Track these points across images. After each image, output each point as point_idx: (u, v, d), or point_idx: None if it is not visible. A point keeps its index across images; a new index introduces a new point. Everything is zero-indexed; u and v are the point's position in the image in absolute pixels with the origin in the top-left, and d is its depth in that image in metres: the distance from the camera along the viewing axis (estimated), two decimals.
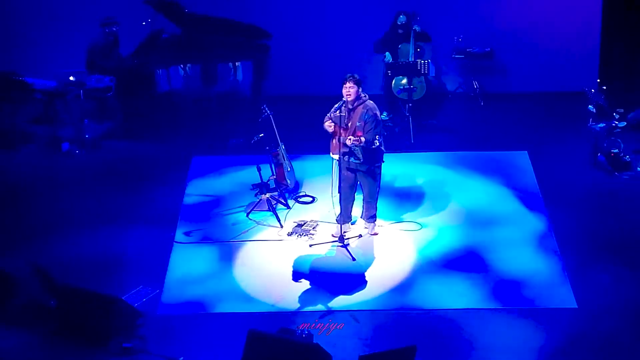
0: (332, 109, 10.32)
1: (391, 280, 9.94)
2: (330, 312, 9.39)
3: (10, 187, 12.12)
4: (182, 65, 13.73)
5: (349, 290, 9.76)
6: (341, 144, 10.15)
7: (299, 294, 9.73)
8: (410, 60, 13.31)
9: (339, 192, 10.42)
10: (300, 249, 10.51)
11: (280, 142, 11.52)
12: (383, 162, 10.45)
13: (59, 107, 13.26)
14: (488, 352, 8.77)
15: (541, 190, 11.69)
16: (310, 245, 10.53)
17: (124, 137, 13.35)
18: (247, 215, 11.19)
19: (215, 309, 9.53)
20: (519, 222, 11.00)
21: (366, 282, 9.92)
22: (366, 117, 10.12)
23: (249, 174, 11.85)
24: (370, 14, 14.47)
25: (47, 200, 11.70)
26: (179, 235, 10.86)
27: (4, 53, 14.49)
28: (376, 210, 10.68)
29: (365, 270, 10.11)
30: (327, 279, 9.97)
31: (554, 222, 10.93)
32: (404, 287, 9.84)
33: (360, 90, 10.18)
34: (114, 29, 13.54)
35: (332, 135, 10.27)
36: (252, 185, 11.58)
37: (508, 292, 9.68)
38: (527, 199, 11.51)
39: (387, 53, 13.56)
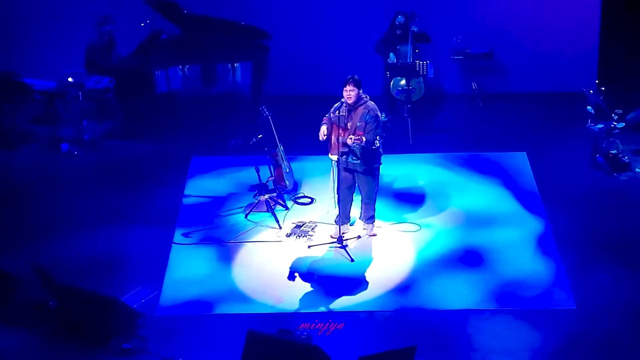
0: (332, 109, 10.33)
1: (390, 281, 9.95)
2: (329, 313, 9.40)
3: (10, 187, 12.12)
4: (181, 66, 13.73)
5: (347, 291, 9.77)
6: (340, 144, 10.16)
7: (298, 294, 9.74)
8: (408, 61, 13.32)
9: (337, 193, 10.43)
10: (299, 250, 10.52)
11: (279, 143, 11.53)
12: (381, 163, 10.47)
13: (58, 108, 13.26)
14: (487, 353, 8.78)
15: (540, 191, 11.70)
16: (309, 247, 10.54)
17: (123, 137, 13.35)
18: (246, 217, 11.20)
19: (214, 309, 9.54)
20: (518, 223, 11.01)
21: (365, 283, 9.93)
22: (367, 117, 10.13)
23: (247, 175, 11.86)
24: (369, 14, 14.47)
25: (46, 200, 11.70)
26: (178, 236, 10.87)
27: (3, 53, 14.49)
28: (375, 211, 10.69)
29: (364, 271, 10.12)
30: (326, 280, 9.98)
31: (553, 223, 10.95)
32: (403, 288, 9.85)
33: (361, 91, 10.19)
34: (108, 29, 13.53)
35: (329, 136, 10.27)
36: (251, 186, 11.59)
37: (507, 293, 9.69)
38: (525, 199, 11.52)
39: (391, 54, 13.52)
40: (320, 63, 14.62)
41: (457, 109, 14.39)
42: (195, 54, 13.80)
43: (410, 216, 11.17)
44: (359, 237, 10.69)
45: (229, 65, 14.03)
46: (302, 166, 12.25)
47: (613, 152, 12.13)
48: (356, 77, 10.17)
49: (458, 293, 9.71)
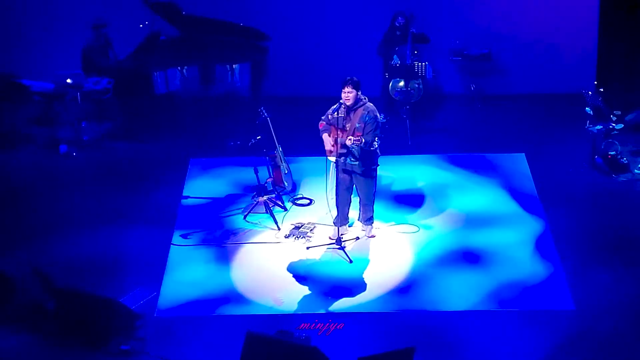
0: (330, 110, 10.33)
1: (389, 282, 9.95)
2: (327, 314, 9.40)
3: (10, 187, 12.12)
4: (180, 67, 13.73)
5: (346, 293, 9.77)
6: (338, 145, 10.16)
7: (296, 296, 9.74)
8: (407, 62, 13.31)
9: (336, 194, 10.43)
10: (297, 251, 10.52)
11: (278, 144, 11.52)
12: (378, 165, 10.47)
13: (57, 109, 13.26)
14: (486, 354, 8.79)
15: (539, 192, 11.70)
16: (308, 248, 10.54)
17: (122, 138, 13.35)
18: (245, 218, 11.20)
19: (213, 311, 9.54)
20: (517, 224, 11.01)
21: (364, 284, 9.93)
22: (367, 118, 10.13)
23: (246, 176, 11.85)
24: (368, 15, 14.46)
25: (45, 201, 11.70)
26: (176, 237, 10.86)
27: (2, 55, 14.48)
28: (373, 212, 10.69)
29: (363, 273, 10.12)
30: (324, 282, 9.97)
31: (552, 223, 10.95)
32: (402, 289, 9.85)
33: (359, 93, 10.19)
34: (103, 32, 13.54)
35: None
36: (250, 187, 11.61)
37: (506, 294, 9.69)
38: (524, 200, 11.51)
39: (394, 56, 13.49)
40: (318, 64, 14.61)
41: (456, 110, 14.39)
42: (194, 55, 13.79)
43: (409, 217, 11.17)
44: (357, 238, 10.69)
45: (228, 66, 14.02)
46: (301, 167, 12.25)
47: (612, 153, 12.13)
48: (355, 78, 10.16)
49: (457, 294, 9.71)
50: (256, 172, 11.11)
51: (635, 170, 12.05)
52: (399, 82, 13.42)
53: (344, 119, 10.16)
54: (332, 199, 10.66)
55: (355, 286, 9.89)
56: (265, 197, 11.21)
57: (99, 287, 9.56)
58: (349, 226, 10.82)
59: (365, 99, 10.26)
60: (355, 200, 10.74)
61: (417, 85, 13.37)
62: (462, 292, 9.73)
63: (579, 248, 10.47)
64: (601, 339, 8.90)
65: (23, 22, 14.57)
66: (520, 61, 14.68)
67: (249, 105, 13.67)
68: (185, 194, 11.86)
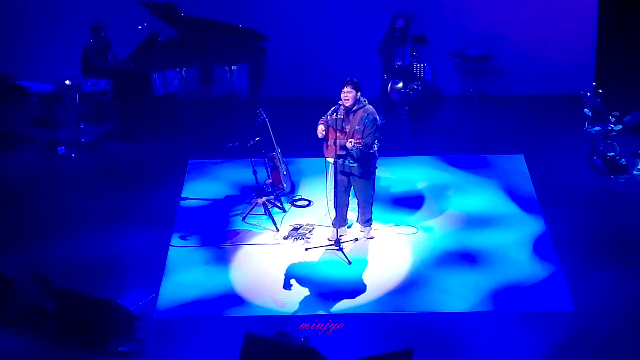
0: (329, 112, 10.32)
1: (388, 283, 9.95)
2: (326, 315, 9.40)
3: (9, 188, 12.12)
4: (178, 68, 13.73)
5: (345, 294, 9.76)
6: (337, 147, 10.15)
7: (295, 297, 9.73)
8: (406, 63, 13.31)
9: (334, 195, 10.43)
10: (296, 252, 10.51)
11: (277, 145, 11.52)
12: (377, 167, 10.46)
13: (56, 110, 13.25)
14: (485, 355, 8.79)
15: (537, 193, 11.70)
16: (306, 249, 10.53)
17: (121, 139, 13.35)
18: (243, 219, 11.19)
19: (212, 312, 9.53)
20: (516, 225, 11.01)
21: (363, 285, 9.93)
22: (366, 120, 10.12)
23: (244, 177, 11.84)
24: (368, 16, 14.46)
25: (44, 202, 11.71)
26: (175, 238, 10.86)
27: (0, 56, 14.48)
28: (372, 214, 10.69)
29: (362, 274, 10.12)
30: (323, 283, 9.97)
31: (551, 224, 10.95)
32: (400, 290, 9.85)
33: (359, 94, 10.18)
34: (102, 34, 13.55)
35: (325, 139, 10.26)
36: (248, 189, 11.60)
37: (505, 295, 9.69)
38: (523, 201, 11.51)
39: (397, 58, 13.47)
40: (317, 65, 14.61)
41: (455, 111, 14.39)
42: (193, 56, 13.79)
43: (408, 218, 11.17)
44: (356, 239, 10.68)
45: (227, 67, 14.03)
46: (300, 168, 12.24)
47: (610, 154, 12.13)
48: (355, 79, 10.15)
49: (456, 295, 9.71)
50: (255, 173, 11.11)
51: (634, 172, 12.05)
52: (397, 83, 13.37)
53: (343, 120, 10.15)
54: (330, 200, 10.66)
55: (354, 287, 9.88)
56: (264, 199, 11.21)
57: (98, 287, 9.56)
58: (347, 227, 10.82)
59: (365, 101, 10.24)
60: (353, 202, 10.74)
61: (415, 87, 13.36)
62: (461, 293, 9.73)
63: (578, 249, 10.47)
64: (601, 339, 8.91)
65: (22, 22, 14.57)
66: (519, 62, 14.69)
67: (247, 107, 13.67)
68: (184, 195, 11.86)
